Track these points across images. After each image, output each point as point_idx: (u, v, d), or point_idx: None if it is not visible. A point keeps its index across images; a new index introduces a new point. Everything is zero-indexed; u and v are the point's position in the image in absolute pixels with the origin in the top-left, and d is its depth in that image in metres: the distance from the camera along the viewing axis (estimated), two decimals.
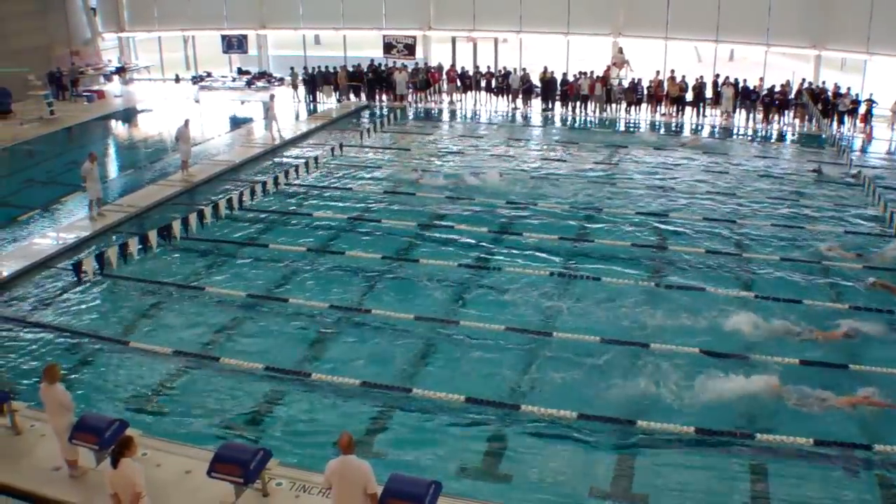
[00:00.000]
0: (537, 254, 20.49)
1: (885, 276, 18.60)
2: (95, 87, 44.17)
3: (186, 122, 27.42)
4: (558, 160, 29.60)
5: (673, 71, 36.01)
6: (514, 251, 20.75)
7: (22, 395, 14.14)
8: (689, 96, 35.51)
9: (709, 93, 35.53)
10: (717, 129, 34.69)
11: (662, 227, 22.44)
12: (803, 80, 35.60)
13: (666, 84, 35.50)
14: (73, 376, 15.16)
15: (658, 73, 36.26)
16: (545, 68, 37.70)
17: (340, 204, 24.72)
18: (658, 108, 36.22)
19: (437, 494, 10.04)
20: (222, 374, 15.18)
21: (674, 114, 35.80)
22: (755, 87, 34.87)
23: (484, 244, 21.28)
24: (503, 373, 14.87)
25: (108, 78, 47.42)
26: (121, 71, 48.21)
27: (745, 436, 12.69)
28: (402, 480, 10.21)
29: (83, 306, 18.27)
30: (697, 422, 12.92)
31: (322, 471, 10.00)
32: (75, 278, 19.02)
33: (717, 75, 35.87)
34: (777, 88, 34.26)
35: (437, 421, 13.48)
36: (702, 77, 35.54)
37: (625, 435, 12.91)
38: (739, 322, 16.26)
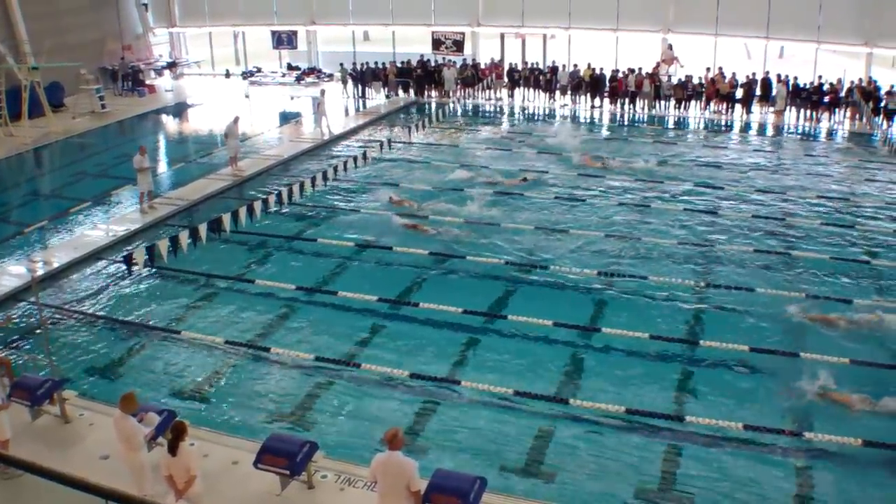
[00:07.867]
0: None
1: None
2: (147, 82, 44.61)
3: (236, 119, 27.56)
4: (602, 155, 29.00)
5: (721, 68, 35.62)
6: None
7: (72, 384, 14.25)
8: (739, 93, 35.09)
9: (759, 90, 35.07)
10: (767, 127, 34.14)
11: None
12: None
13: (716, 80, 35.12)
14: (122, 366, 15.35)
15: (708, 69, 35.87)
16: (588, 64, 37.42)
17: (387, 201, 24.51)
18: (708, 106, 35.77)
19: (483, 490, 9.96)
20: (271, 365, 15.22)
21: (723, 111, 35.37)
22: (806, 84, 34.28)
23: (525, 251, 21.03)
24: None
25: (158, 73, 47.91)
26: (171, 66, 48.72)
27: None
28: (446, 476, 10.14)
29: (133, 297, 18.42)
30: None
31: (368, 464, 9.94)
32: (126, 270, 19.09)
33: (768, 72, 35.45)
34: (826, 87, 33.75)
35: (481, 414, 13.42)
36: (753, 74, 35.06)
37: None
38: None
